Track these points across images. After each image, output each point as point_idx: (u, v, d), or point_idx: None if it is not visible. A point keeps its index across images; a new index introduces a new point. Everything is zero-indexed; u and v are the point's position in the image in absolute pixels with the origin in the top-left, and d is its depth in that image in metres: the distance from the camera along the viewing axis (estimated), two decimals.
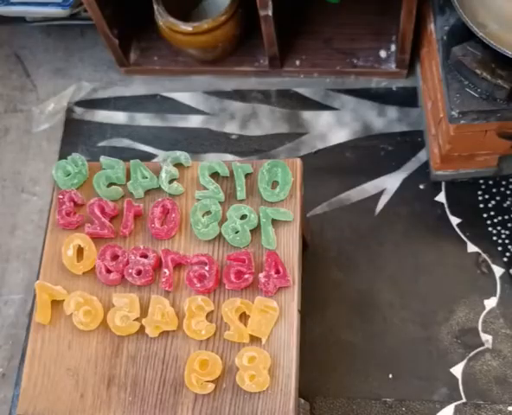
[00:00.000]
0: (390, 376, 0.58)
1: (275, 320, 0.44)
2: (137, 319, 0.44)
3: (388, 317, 0.60)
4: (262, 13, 0.63)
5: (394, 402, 0.57)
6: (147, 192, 0.49)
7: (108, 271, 0.46)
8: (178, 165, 0.49)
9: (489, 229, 0.62)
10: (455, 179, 0.64)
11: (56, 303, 0.46)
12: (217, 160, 0.49)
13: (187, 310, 0.44)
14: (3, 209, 0.70)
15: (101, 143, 0.72)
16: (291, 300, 0.45)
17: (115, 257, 0.47)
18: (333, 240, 0.64)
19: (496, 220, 0.63)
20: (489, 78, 0.51)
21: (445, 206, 0.64)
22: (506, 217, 0.63)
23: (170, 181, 0.49)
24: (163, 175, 0.48)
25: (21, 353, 0.62)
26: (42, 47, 0.79)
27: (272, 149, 0.69)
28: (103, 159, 0.50)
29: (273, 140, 0.70)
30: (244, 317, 0.44)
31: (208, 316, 0.45)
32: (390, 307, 0.61)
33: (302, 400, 0.52)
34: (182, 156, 0.49)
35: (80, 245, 0.47)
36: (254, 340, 0.44)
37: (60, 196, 0.49)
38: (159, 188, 0.49)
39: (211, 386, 0.42)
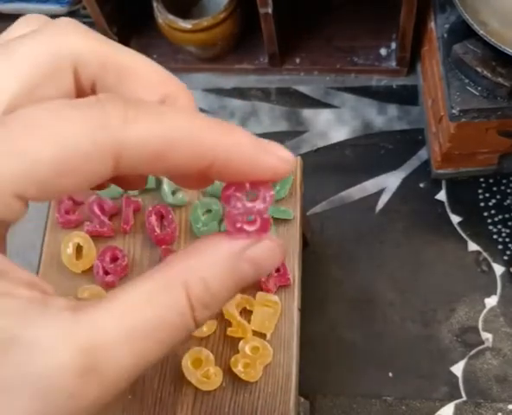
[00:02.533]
0: (390, 375, 0.58)
1: (278, 315, 0.44)
2: None
3: (389, 316, 0.60)
4: (262, 11, 0.63)
5: (394, 400, 0.57)
6: (142, 191, 0.49)
7: (106, 273, 0.46)
8: None
9: (490, 228, 0.62)
10: (455, 177, 0.64)
11: None
12: None
13: None
14: None
15: None
16: (292, 298, 0.44)
17: (115, 259, 0.46)
18: (333, 239, 0.64)
19: (496, 219, 0.63)
20: (489, 76, 0.51)
21: (446, 204, 0.64)
22: (506, 216, 0.63)
23: (173, 193, 0.48)
24: (166, 188, 0.48)
25: None
26: None
27: None
28: None
29: (273, 138, 0.69)
30: (244, 314, 0.44)
31: None
32: (390, 305, 0.61)
33: (302, 399, 0.52)
34: None
35: (79, 244, 0.47)
36: (257, 336, 0.43)
37: None
38: (154, 189, 0.48)
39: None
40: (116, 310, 0.19)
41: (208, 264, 0.21)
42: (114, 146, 0.18)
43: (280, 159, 0.22)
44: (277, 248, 0.23)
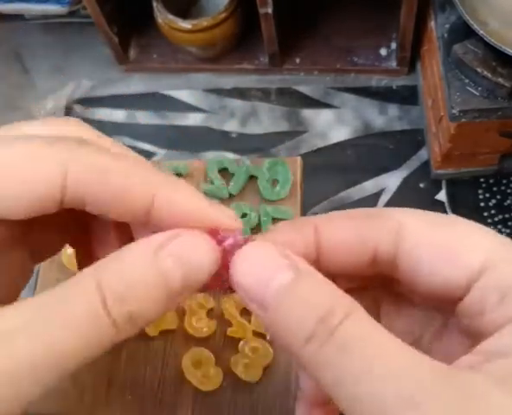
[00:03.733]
0: None
1: None
2: None
3: None
4: (262, 11, 0.63)
5: None
6: None
7: None
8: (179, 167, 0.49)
9: (490, 228, 0.62)
10: (456, 178, 0.64)
11: None
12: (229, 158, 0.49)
13: (187, 308, 0.44)
14: None
15: None
16: None
17: None
18: None
19: (496, 219, 0.62)
20: (489, 76, 0.51)
21: (446, 204, 0.64)
22: (507, 216, 0.63)
23: None
24: None
25: None
26: (41, 44, 0.79)
27: (272, 147, 0.69)
28: None
29: (273, 138, 0.69)
30: (245, 314, 0.44)
31: (208, 313, 0.44)
32: None
33: None
34: (180, 165, 0.48)
35: None
36: (258, 336, 0.43)
37: None
38: None
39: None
40: (23, 307, 0.20)
41: (124, 257, 0.20)
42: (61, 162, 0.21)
43: (223, 211, 0.23)
44: (202, 242, 0.21)
